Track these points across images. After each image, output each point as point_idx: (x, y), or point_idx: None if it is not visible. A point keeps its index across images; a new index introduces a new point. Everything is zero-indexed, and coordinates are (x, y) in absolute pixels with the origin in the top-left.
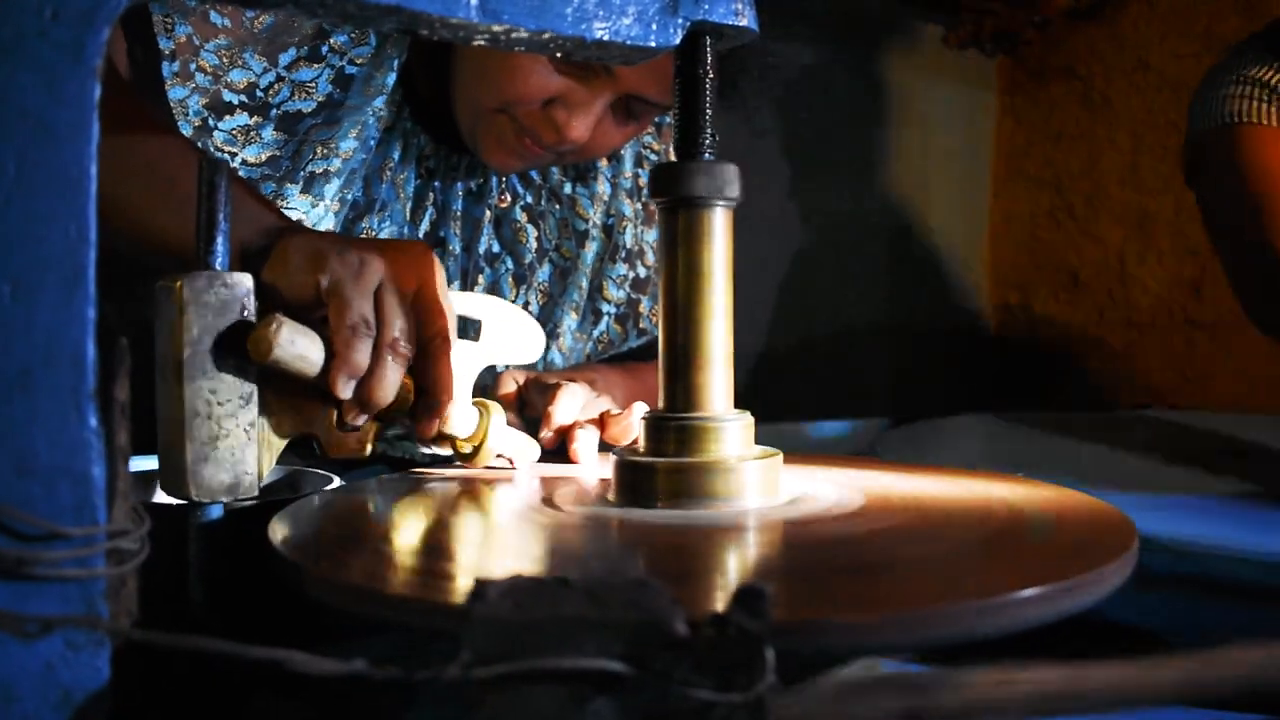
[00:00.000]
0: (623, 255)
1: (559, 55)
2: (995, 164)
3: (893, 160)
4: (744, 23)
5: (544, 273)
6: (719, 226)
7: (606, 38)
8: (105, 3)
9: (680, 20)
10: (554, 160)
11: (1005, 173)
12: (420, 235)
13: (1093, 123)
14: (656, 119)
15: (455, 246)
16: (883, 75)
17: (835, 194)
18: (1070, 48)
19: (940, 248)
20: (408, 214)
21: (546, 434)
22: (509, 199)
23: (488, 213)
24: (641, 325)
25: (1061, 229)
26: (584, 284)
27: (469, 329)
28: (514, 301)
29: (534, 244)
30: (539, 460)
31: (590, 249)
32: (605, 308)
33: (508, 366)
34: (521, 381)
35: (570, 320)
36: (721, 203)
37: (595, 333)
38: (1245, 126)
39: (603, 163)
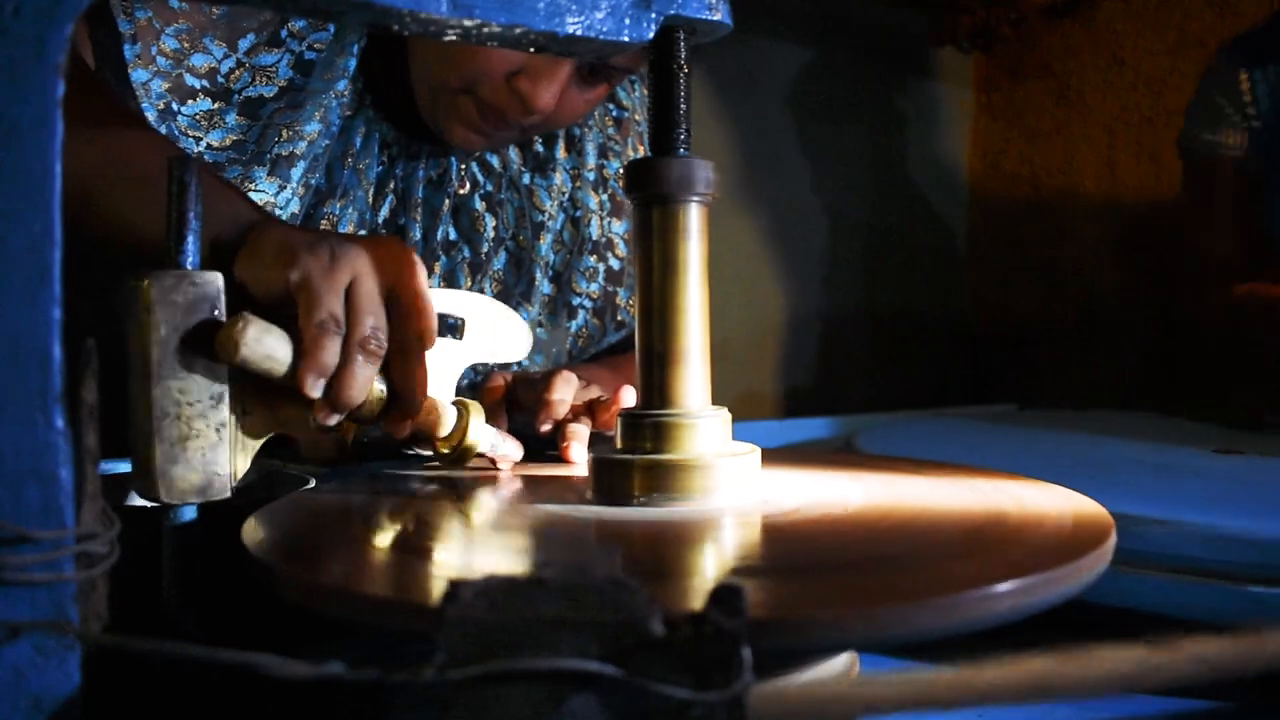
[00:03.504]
0: (589, 248)
1: (530, 50)
2: (972, 160)
3: (871, 157)
4: (717, 17)
5: (499, 261)
6: (694, 222)
7: (579, 32)
8: None
9: (653, 14)
10: (518, 136)
11: (982, 169)
12: (380, 222)
13: (1068, 119)
14: (614, 114)
15: (415, 234)
16: (860, 72)
17: (814, 190)
18: (1046, 45)
19: (918, 244)
20: (370, 200)
21: (546, 424)
22: (468, 186)
23: (447, 201)
24: (619, 318)
25: (1038, 225)
26: (537, 275)
27: (452, 327)
28: (470, 290)
29: (491, 233)
30: (521, 459)
31: (545, 240)
32: (579, 301)
33: (495, 366)
34: (508, 379)
35: (528, 313)
36: (696, 198)
37: (573, 327)
38: (1204, 162)
39: (561, 154)
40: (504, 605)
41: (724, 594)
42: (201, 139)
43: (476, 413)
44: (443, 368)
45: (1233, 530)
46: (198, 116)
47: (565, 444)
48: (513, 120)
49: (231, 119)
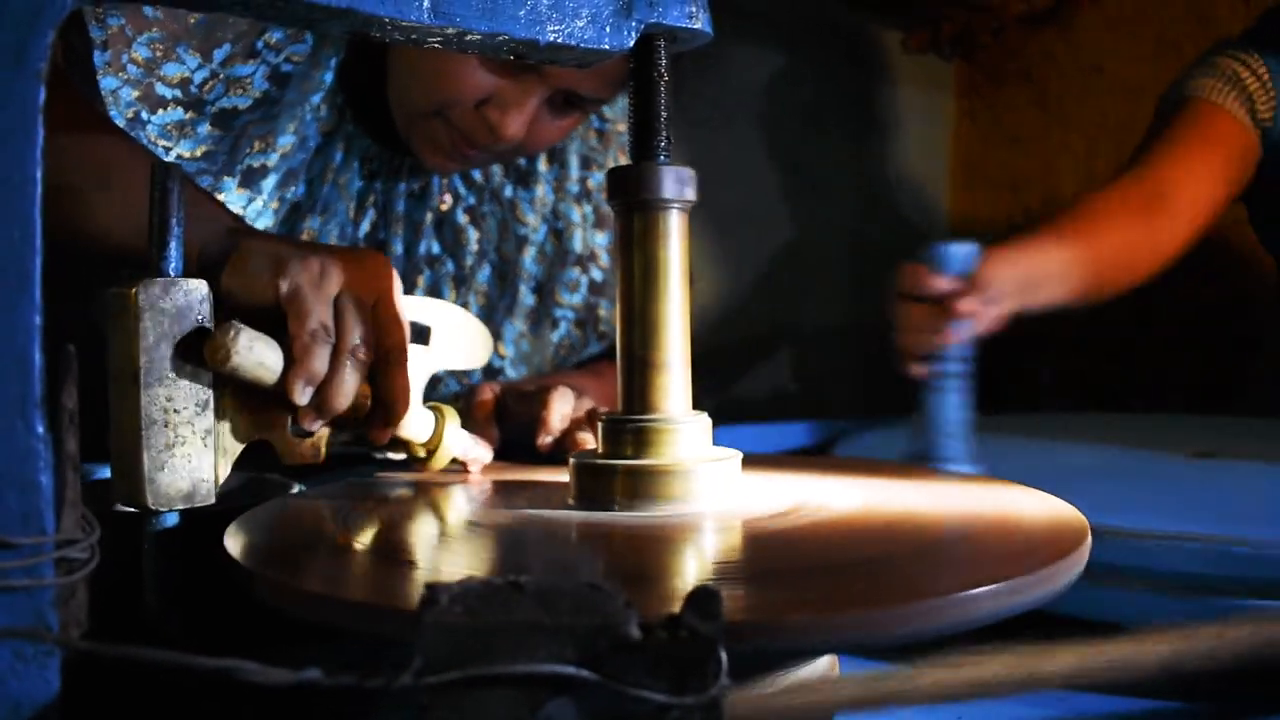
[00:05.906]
0: (573, 260)
1: (512, 58)
2: (952, 167)
3: (851, 163)
4: (698, 25)
5: (483, 274)
6: (674, 229)
7: (560, 40)
8: (49, 5)
9: (634, 23)
10: (492, 160)
11: (962, 175)
12: (361, 237)
13: (1048, 126)
14: (597, 125)
15: (397, 248)
16: (841, 79)
17: (795, 196)
18: (1026, 52)
19: (899, 250)
20: (351, 215)
21: (546, 439)
22: (450, 200)
23: (429, 215)
24: (601, 328)
25: (1018, 232)
26: (521, 288)
27: (420, 334)
28: (454, 303)
29: (474, 246)
30: (493, 461)
31: (528, 253)
32: (561, 313)
33: (480, 374)
34: (497, 391)
35: (512, 325)
36: (677, 205)
37: (555, 338)
38: (1198, 101)
39: (544, 166)
40: (481, 610)
41: (700, 597)
42: (171, 149)
43: (452, 418)
44: (411, 373)
45: (1208, 540)
46: (168, 126)
47: (578, 449)
48: (483, 145)
49: (203, 130)
